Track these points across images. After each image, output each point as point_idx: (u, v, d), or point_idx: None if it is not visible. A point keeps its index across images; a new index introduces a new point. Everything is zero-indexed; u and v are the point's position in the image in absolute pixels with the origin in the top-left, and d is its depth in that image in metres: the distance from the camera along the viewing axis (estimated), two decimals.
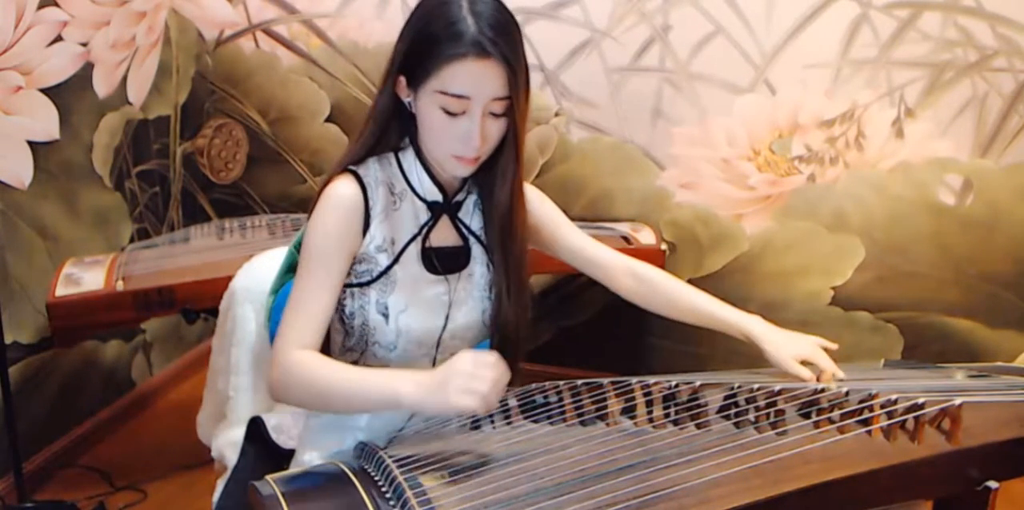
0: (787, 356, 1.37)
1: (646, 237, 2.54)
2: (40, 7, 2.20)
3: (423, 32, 1.21)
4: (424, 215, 1.33)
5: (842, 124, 2.48)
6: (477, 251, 1.37)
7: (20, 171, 2.21)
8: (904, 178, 2.47)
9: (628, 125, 2.63)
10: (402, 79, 1.25)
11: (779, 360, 1.38)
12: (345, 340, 1.35)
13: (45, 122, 2.27)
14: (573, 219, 2.66)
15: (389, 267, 1.30)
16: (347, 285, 1.31)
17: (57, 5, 2.26)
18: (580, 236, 1.53)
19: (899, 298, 2.56)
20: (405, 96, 1.27)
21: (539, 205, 1.48)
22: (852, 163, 2.50)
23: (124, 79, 2.58)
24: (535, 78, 2.63)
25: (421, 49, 1.21)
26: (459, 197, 1.36)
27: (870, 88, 2.43)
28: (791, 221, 2.58)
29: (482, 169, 1.30)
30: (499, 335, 1.36)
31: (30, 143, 2.23)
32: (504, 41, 1.18)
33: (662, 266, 2.48)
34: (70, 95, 2.35)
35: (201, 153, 3.00)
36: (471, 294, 1.36)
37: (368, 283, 1.30)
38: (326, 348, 1.37)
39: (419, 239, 1.32)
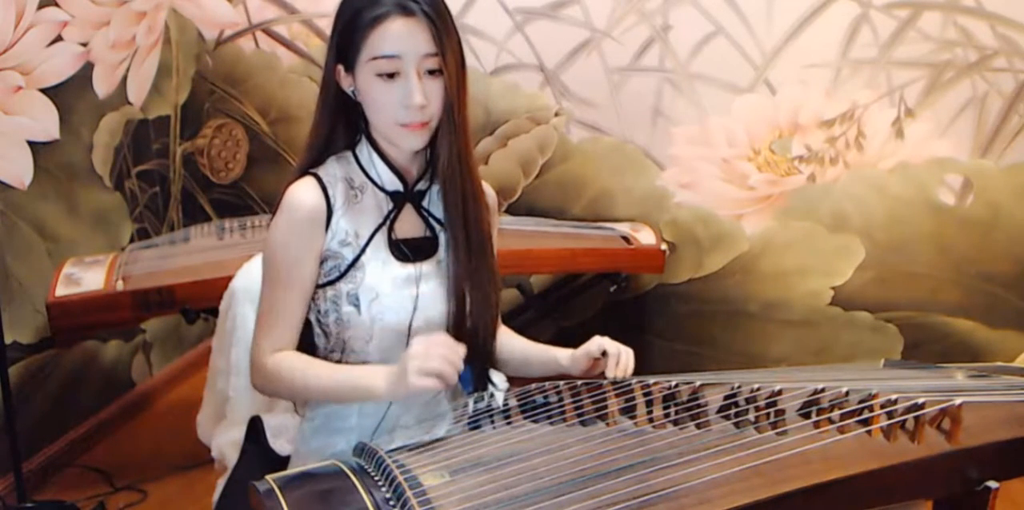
0: (577, 351, 1.37)
1: (646, 237, 2.54)
2: (40, 7, 2.20)
3: (347, 13, 1.25)
4: (387, 205, 1.34)
5: (842, 124, 2.48)
6: (444, 239, 1.37)
7: (20, 171, 2.21)
8: (904, 178, 2.47)
9: (628, 125, 2.63)
10: (340, 68, 1.28)
11: (572, 358, 1.38)
12: (325, 343, 1.36)
13: (45, 122, 2.27)
14: (573, 219, 2.70)
15: (356, 259, 1.31)
16: (318, 286, 1.32)
17: (57, 5, 2.26)
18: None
19: (899, 298, 2.56)
20: (347, 85, 1.29)
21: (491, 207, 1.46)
22: (852, 163, 2.50)
23: (124, 79, 2.58)
24: (535, 78, 2.64)
25: (348, 28, 1.24)
26: (420, 186, 1.36)
27: (870, 88, 2.43)
28: (791, 221, 2.58)
29: (430, 145, 1.31)
30: (455, 306, 1.36)
31: (30, 143, 2.23)
32: (425, 1, 1.22)
33: (662, 266, 2.51)
34: (70, 95, 2.35)
35: (201, 153, 3.00)
36: (440, 281, 1.36)
37: (337, 279, 1.31)
38: (311, 354, 1.38)
39: (384, 229, 1.33)
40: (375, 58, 1.22)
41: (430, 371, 1.14)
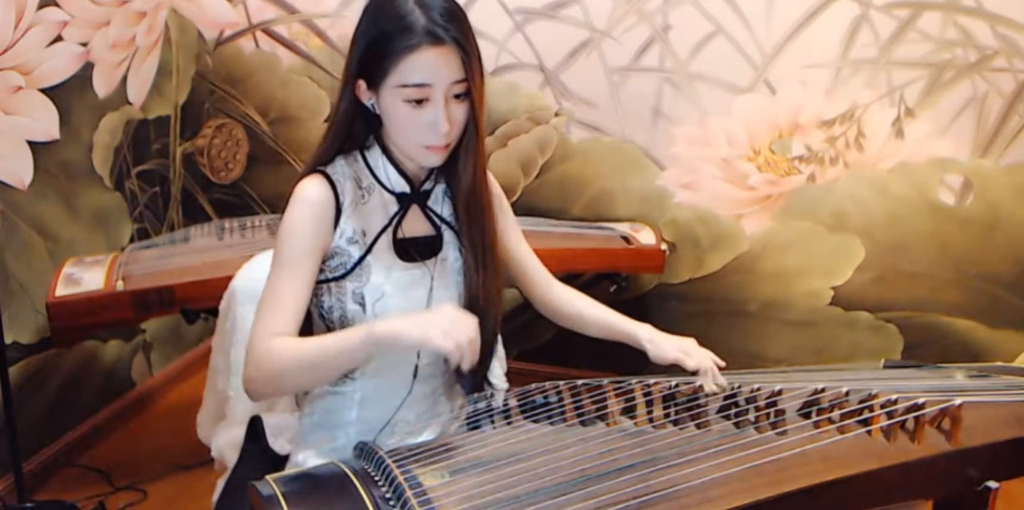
0: (666, 348, 1.42)
1: (646, 237, 2.54)
2: (40, 7, 2.20)
3: (375, 33, 1.24)
4: (393, 206, 1.36)
5: (842, 124, 2.48)
6: (449, 237, 1.39)
7: (20, 171, 2.21)
8: (904, 178, 2.47)
9: (628, 125, 2.63)
10: (361, 83, 1.28)
11: (658, 353, 1.42)
12: None
13: (45, 122, 2.27)
14: (573, 219, 2.70)
15: (362, 258, 1.32)
16: (323, 281, 1.33)
17: (57, 5, 2.26)
18: (521, 240, 1.55)
19: (899, 298, 2.56)
20: (367, 99, 1.30)
21: (497, 200, 1.48)
22: (852, 163, 2.50)
23: (124, 79, 2.58)
24: (535, 78, 2.64)
25: (376, 50, 1.24)
26: (426, 186, 1.38)
27: (870, 88, 2.43)
28: (791, 221, 2.58)
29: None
30: (467, 307, 1.36)
31: (30, 143, 2.23)
32: (455, 26, 1.23)
33: (662, 266, 2.52)
34: (70, 95, 2.35)
35: (201, 153, 3.00)
36: (447, 279, 1.38)
37: (343, 276, 1.32)
38: None
39: (390, 229, 1.35)
40: (404, 86, 1.23)
41: (453, 337, 1.11)
